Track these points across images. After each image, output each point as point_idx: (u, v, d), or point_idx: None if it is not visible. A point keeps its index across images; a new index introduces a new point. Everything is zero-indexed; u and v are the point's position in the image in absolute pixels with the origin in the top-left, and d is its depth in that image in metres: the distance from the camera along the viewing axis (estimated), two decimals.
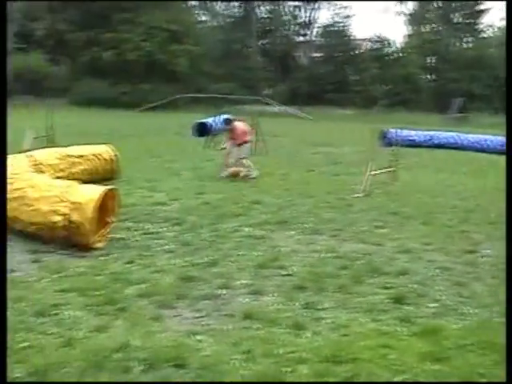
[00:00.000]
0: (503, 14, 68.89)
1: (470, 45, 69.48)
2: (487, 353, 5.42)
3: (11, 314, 5.81)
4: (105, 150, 13.67)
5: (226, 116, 17.00)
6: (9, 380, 4.31)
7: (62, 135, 19.83)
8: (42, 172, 10.62)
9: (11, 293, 6.40)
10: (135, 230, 9.30)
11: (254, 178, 15.03)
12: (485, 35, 73.09)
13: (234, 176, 15.00)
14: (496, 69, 60.23)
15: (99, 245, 8.28)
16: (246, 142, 15.70)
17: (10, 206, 8.67)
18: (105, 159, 13.45)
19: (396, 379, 4.91)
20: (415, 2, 71.25)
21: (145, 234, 9.16)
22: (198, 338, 5.49)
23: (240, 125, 15.97)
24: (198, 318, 6.03)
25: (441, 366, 5.14)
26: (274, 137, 25.53)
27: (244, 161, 15.61)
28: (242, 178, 14.97)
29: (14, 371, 4.70)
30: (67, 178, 10.80)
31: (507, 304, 5.63)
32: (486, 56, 62.20)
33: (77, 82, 49.25)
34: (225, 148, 15.86)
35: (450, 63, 64.18)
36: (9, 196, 8.77)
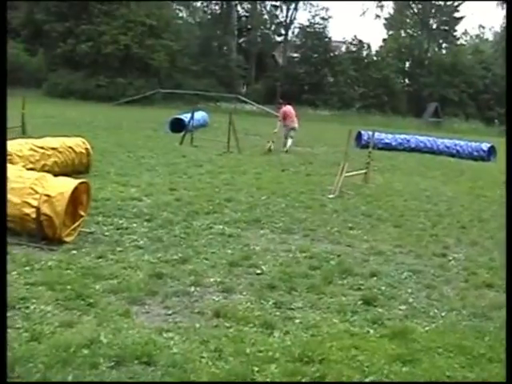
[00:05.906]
0: (479, 21, 70.17)
1: (446, 51, 70.27)
2: (455, 355, 5.47)
3: None
4: (78, 143, 13.49)
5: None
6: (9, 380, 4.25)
7: (35, 126, 19.67)
8: (14, 163, 10.44)
9: None
10: (107, 225, 9.19)
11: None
12: (460, 42, 74.25)
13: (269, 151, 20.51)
14: (470, 76, 61.14)
15: (70, 239, 8.18)
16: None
17: None
18: (78, 152, 13.26)
19: (365, 380, 4.91)
20: (393, 7, 72.07)
21: (116, 229, 9.04)
22: (168, 335, 5.45)
23: (290, 109, 22.67)
24: (167, 315, 5.99)
25: (410, 368, 5.16)
26: (249, 135, 25.54)
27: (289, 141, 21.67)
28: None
29: None
30: (39, 170, 10.67)
31: (507, 305, 5.69)
32: (461, 63, 63.00)
33: (52, 73, 48.70)
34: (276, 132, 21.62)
35: (425, 68, 64.88)
36: None
